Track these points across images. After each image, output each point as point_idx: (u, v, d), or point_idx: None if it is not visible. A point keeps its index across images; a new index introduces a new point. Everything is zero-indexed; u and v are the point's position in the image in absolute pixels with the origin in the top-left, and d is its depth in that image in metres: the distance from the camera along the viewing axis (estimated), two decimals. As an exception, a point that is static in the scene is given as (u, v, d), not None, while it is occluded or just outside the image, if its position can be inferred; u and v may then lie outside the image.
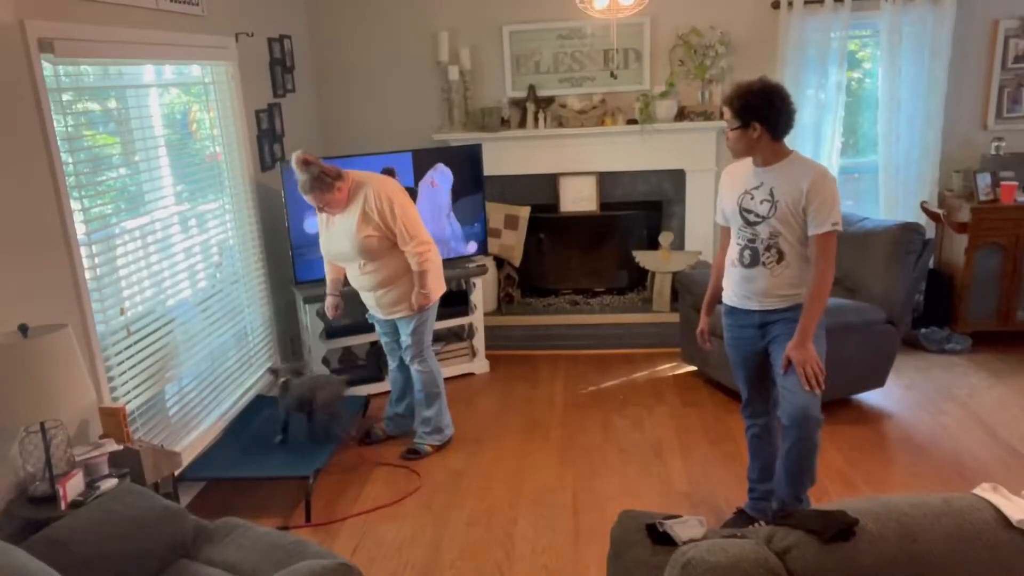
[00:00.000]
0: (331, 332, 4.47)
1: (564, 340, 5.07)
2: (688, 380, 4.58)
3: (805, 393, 2.66)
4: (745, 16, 4.93)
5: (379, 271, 3.55)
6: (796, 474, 2.79)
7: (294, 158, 3.32)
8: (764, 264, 2.72)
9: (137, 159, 3.27)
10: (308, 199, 3.40)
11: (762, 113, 2.59)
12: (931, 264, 4.98)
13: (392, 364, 3.97)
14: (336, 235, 3.54)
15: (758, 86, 2.61)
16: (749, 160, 2.73)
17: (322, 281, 4.40)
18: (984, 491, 1.63)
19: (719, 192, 2.90)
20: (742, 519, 3.05)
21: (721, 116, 4.88)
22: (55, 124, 2.65)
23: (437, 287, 3.65)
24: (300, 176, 3.34)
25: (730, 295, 2.89)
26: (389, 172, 4.42)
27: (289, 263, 4.32)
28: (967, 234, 4.65)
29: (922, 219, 4.81)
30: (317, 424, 3.63)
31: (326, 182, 3.35)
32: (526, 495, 3.42)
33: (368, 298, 3.70)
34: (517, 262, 5.31)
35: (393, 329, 3.81)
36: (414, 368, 3.77)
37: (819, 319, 2.67)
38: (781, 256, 2.69)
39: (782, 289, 2.72)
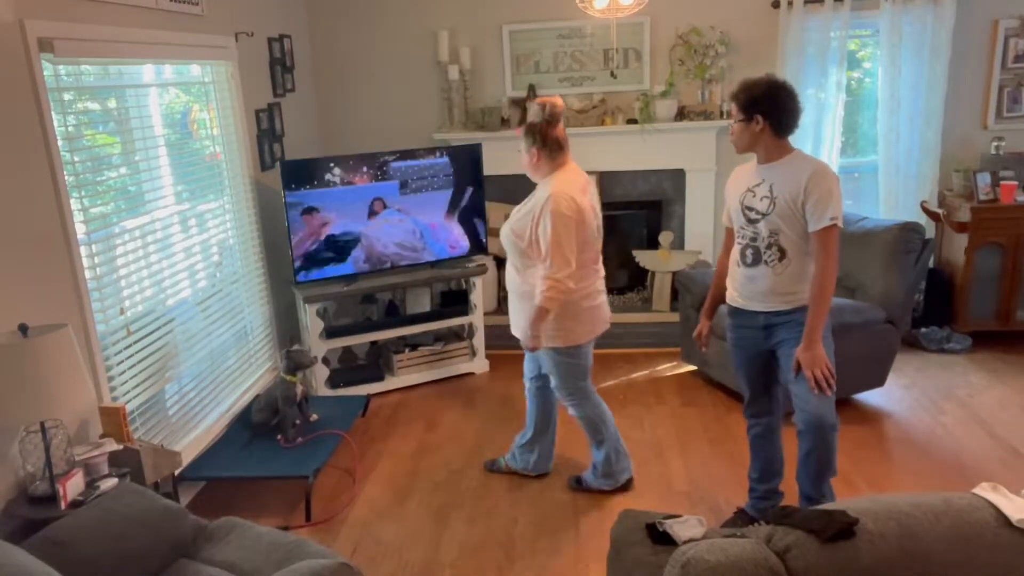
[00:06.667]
0: (331, 332, 4.47)
1: (564, 340, 5.07)
2: (688, 380, 4.58)
3: (816, 398, 2.65)
4: (745, 16, 4.93)
5: (518, 278, 3.12)
6: (816, 476, 2.77)
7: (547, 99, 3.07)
8: (766, 262, 2.71)
9: (137, 159, 3.27)
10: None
11: (765, 107, 2.61)
12: (931, 264, 4.98)
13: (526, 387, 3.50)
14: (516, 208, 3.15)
15: (764, 81, 2.65)
16: (755, 160, 2.74)
17: (322, 281, 4.41)
18: (984, 491, 1.63)
19: (726, 191, 2.90)
20: (742, 519, 3.04)
21: (721, 115, 4.90)
22: (55, 124, 2.65)
23: (568, 331, 3.09)
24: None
25: (734, 296, 2.88)
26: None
27: (289, 263, 4.32)
28: (967, 234, 4.65)
29: (922, 219, 4.81)
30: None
31: (529, 129, 3.02)
32: (526, 495, 3.42)
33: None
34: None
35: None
36: (568, 411, 3.35)
37: (825, 318, 2.66)
38: (783, 254, 2.68)
39: (785, 288, 2.71)
